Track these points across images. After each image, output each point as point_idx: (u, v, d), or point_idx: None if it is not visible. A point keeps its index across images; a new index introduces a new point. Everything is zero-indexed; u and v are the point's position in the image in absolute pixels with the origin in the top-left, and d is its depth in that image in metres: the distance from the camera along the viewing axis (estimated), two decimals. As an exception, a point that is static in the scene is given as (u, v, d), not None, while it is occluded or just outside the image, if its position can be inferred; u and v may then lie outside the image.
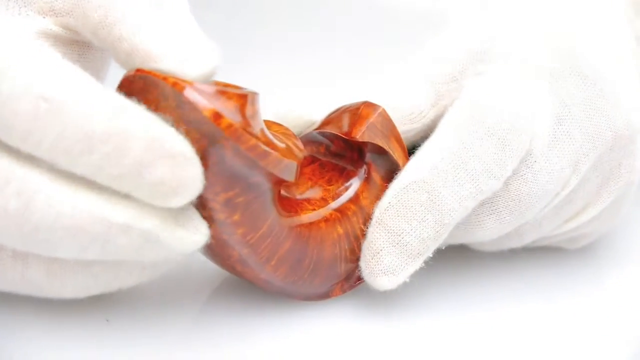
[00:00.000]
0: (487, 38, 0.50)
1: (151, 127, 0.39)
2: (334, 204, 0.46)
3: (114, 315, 0.46)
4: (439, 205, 0.44)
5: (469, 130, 0.46)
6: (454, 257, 0.52)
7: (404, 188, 0.45)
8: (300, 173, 0.45)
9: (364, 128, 0.45)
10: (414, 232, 0.44)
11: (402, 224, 0.44)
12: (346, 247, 0.46)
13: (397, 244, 0.45)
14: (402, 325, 0.47)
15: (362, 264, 0.45)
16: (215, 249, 0.43)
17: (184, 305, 0.48)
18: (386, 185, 0.46)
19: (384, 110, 0.46)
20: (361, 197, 0.46)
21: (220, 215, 0.42)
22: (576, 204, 0.49)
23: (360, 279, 0.47)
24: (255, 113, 0.41)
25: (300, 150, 0.44)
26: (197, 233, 0.41)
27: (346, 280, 0.47)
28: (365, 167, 0.46)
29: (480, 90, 0.47)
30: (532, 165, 0.47)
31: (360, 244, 0.46)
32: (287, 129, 0.45)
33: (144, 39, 0.41)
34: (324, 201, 0.46)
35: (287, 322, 0.47)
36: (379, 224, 0.45)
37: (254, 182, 0.42)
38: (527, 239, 0.50)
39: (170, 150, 0.39)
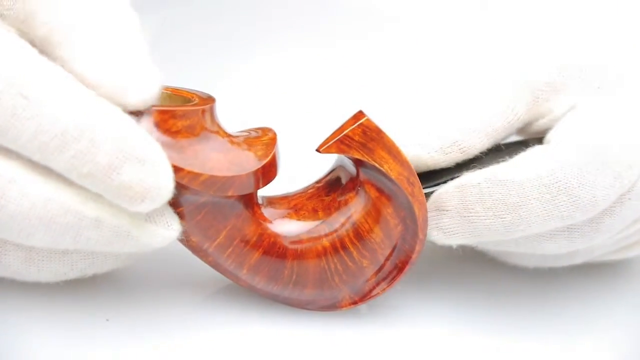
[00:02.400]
0: (599, 57, 0.48)
1: (123, 128, 0.40)
2: (323, 215, 0.46)
3: (114, 315, 0.46)
4: (524, 214, 0.44)
5: (582, 158, 0.44)
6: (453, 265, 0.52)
7: (500, 182, 0.44)
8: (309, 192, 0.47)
9: (330, 142, 0.44)
10: (485, 220, 0.44)
11: (478, 207, 0.44)
12: (335, 260, 0.45)
13: (464, 217, 0.44)
14: (401, 333, 0.47)
15: (426, 205, 0.45)
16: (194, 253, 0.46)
17: (184, 305, 0.48)
18: (383, 198, 0.45)
19: (368, 120, 0.44)
20: (353, 211, 0.45)
21: None
22: (636, 236, 0.49)
23: (372, 293, 0.46)
24: (185, 126, 0.42)
25: (260, 158, 0.44)
26: (169, 229, 0.42)
27: (355, 293, 0.46)
28: (359, 180, 0.45)
29: (599, 118, 0.46)
30: (624, 201, 0.45)
31: (352, 257, 0.45)
32: (264, 131, 0.46)
33: (82, 66, 0.41)
34: (314, 212, 0.46)
35: (288, 325, 0.47)
36: (461, 190, 0.44)
37: (188, 195, 0.43)
38: (576, 261, 0.49)
39: (140, 155, 0.40)
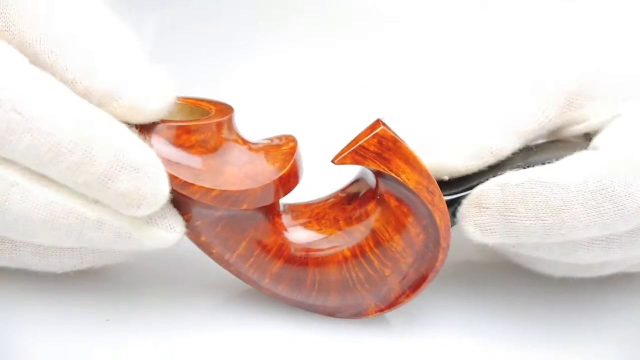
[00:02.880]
0: (635, 66, 0.47)
1: (117, 138, 0.41)
2: (344, 224, 0.45)
3: (114, 315, 0.46)
4: (566, 218, 0.43)
5: (631, 168, 0.43)
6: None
7: (545, 184, 0.43)
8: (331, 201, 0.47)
9: (345, 152, 0.44)
10: (526, 220, 0.43)
11: (520, 207, 0.43)
12: (356, 269, 0.45)
13: (504, 216, 0.43)
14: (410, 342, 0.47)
15: (466, 202, 0.44)
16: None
17: (184, 305, 0.48)
18: (403, 208, 0.45)
19: (384, 130, 0.44)
20: (372, 220, 0.45)
21: (190, 236, 0.45)
22: None
23: (398, 300, 0.46)
24: (199, 140, 0.43)
25: (278, 169, 0.44)
26: (171, 231, 0.43)
27: (381, 300, 0.46)
28: (378, 190, 0.45)
29: None
30: None
31: (373, 266, 0.45)
32: (286, 140, 0.46)
33: (101, 79, 0.42)
34: (336, 221, 0.46)
35: (291, 330, 0.47)
36: (503, 189, 0.44)
37: (204, 209, 0.44)
38: (605, 272, 0.48)
39: (134, 163, 0.41)
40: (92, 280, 0.48)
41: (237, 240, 0.45)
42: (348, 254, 0.45)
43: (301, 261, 0.45)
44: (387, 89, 0.66)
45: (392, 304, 0.46)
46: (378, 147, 0.44)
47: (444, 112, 0.47)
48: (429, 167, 0.44)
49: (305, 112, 0.64)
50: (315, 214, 0.46)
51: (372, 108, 0.62)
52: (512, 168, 0.44)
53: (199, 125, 0.43)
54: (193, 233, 0.44)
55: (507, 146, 0.45)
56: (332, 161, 0.44)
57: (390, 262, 0.45)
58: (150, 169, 0.41)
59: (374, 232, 0.45)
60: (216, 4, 0.69)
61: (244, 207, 0.43)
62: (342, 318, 0.47)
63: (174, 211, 0.43)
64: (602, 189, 0.43)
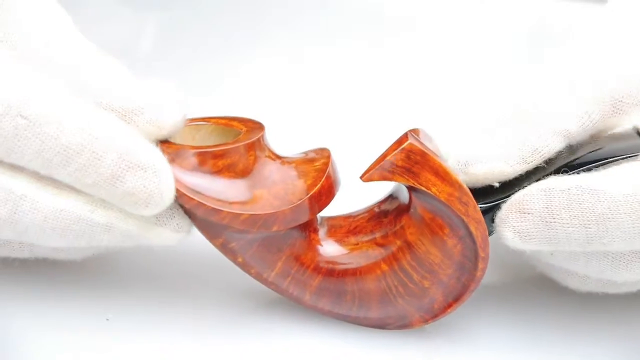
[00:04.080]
0: None
1: (124, 139, 0.41)
2: (381, 238, 0.45)
3: (114, 315, 0.46)
4: (611, 227, 0.42)
5: None
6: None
7: (591, 191, 0.42)
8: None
9: (373, 170, 0.43)
10: (568, 227, 0.42)
11: (564, 213, 0.42)
12: (395, 282, 0.45)
13: (546, 222, 0.42)
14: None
15: (505, 207, 0.43)
16: None
17: (183, 305, 0.48)
18: (437, 220, 0.44)
19: (411, 144, 0.43)
20: (407, 233, 0.44)
21: (228, 257, 0.45)
22: None
23: (444, 312, 0.45)
24: (226, 165, 0.43)
25: (309, 188, 0.44)
26: (179, 231, 0.44)
27: (425, 312, 0.45)
28: (412, 204, 0.44)
29: None
30: None
31: (412, 279, 0.45)
32: (321, 153, 0.46)
33: (120, 97, 0.43)
34: (372, 234, 0.45)
35: (294, 333, 0.46)
36: (547, 194, 0.42)
37: (235, 232, 0.44)
38: (636, 288, 0.47)
39: (141, 162, 0.41)
40: (92, 280, 0.48)
41: (274, 259, 0.45)
42: (386, 267, 0.45)
43: (339, 275, 0.45)
44: (417, 95, 0.65)
45: (436, 315, 0.45)
46: (406, 162, 0.43)
47: (481, 116, 0.45)
48: (482, 176, 0.43)
49: (307, 112, 0.64)
50: (353, 227, 0.46)
51: (401, 115, 0.62)
52: (552, 172, 0.44)
53: (225, 150, 0.43)
54: (230, 254, 0.45)
55: (554, 148, 0.44)
56: (360, 178, 0.44)
57: (429, 275, 0.44)
58: (156, 167, 0.41)
59: (409, 245, 0.44)
60: (217, 4, 0.69)
61: (275, 229, 0.44)
62: (390, 330, 0.46)
63: (181, 211, 0.43)
64: None
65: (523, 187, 0.43)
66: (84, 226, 0.42)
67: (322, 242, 0.45)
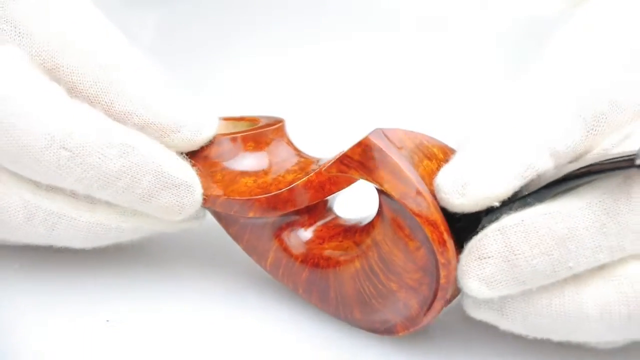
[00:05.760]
0: None
1: (159, 161, 0.44)
2: (358, 237, 0.45)
3: (114, 315, 0.46)
4: (572, 246, 0.40)
5: (631, 183, 0.41)
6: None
7: (545, 214, 0.40)
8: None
9: (331, 161, 0.44)
10: (531, 260, 0.40)
11: (524, 246, 0.40)
12: (367, 282, 0.44)
13: (509, 261, 0.41)
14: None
15: (463, 258, 0.42)
16: None
17: (183, 305, 0.48)
18: (399, 220, 0.43)
19: (368, 139, 0.42)
20: (376, 232, 0.44)
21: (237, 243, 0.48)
22: None
23: (422, 320, 0.43)
24: (219, 152, 0.47)
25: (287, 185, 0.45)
26: (199, 218, 0.47)
27: (405, 318, 0.44)
28: (380, 202, 0.44)
29: None
30: None
31: (379, 279, 0.44)
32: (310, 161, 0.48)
33: (161, 114, 0.45)
34: (353, 234, 0.46)
35: (293, 337, 0.46)
36: (502, 233, 0.41)
37: (227, 215, 0.47)
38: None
39: (175, 181, 0.45)
40: (92, 281, 0.48)
41: (266, 248, 0.46)
42: (358, 265, 0.44)
43: (323, 273, 0.45)
44: (417, 95, 0.65)
45: (415, 322, 0.44)
46: (362, 157, 0.42)
47: (471, 134, 0.43)
48: (482, 196, 0.41)
49: (306, 111, 0.64)
50: (340, 225, 0.46)
51: (401, 115, 0.62)
52: (518, 199, 0.42)
53: (221, 139, 0.47)
54: (234, 240, 0.47)
55: (546, 165, 0.42)
56: (320, 170, 0.44)
57: (394, 277, 0.43)
58: (189, 183, 0.45)
59: (377, 244, 0.44)
60: (217, 0, 0.69)
61: (251, 215, 0.45)
62: (380, 335, 0.45)
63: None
64: (605, 209, 0.40)
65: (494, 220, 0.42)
66: (115, 233, 0.46)
67: (310, 236, 0.46)
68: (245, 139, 0.47)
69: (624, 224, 0.40)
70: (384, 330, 0.45)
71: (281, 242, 0.46)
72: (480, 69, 0.66)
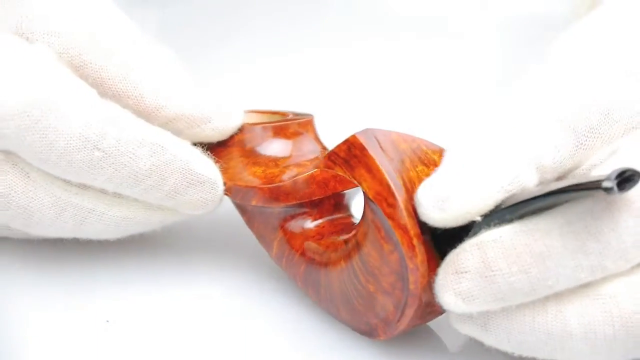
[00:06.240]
0: None
1: (186, 159, 0.45)
2: (345, 234, 0.45)
3: (114, 315, 0.46)
4: (550, 264, 0.39)
5: (613, 202, 0.40)
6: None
7: (524, 231, 0.39)
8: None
9: (320, 158, 0.44)
10: (509, 277, 0.39)
11: (502, 262, 0.39)
12: (349, 281, 0.44)
13: (486, 277, 0.40)
14: None
15: (441, 271, 0.41)
16: None
17: (183, 305, 0.48)
18: (376, 221, 0.42)
19: (355, 137, 0.42)
20: (359, 232, 0.43)
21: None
22: None
23: (398, 326, 0.43)
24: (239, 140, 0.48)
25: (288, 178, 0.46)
26: (219, 202, 0.48)
27: (384, 323, 0.43)
28: (364, 201, 0.43)
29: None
30: None
31: (359, 280, 0.44)
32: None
33: (189, 104, 0.46)
34: (343, 232, 0.46)
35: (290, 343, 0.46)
36: (479, 247, 0.40)
37: (240, 204, 0.48)
38: None
39: (201, 178, 0.46)
40: (92, 281, 0.48)
41: (271, 238, 0.47)
42: (343, 265, 0.44)
43: (316, 266, 0.45)
44: (418, 94, 0.65)
45: (393, 327, 0.43)
46: (346, 154, 0.43)
47: (455, 149, 0.42)
48: (462, 210, 0.40)
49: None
50: (342, 227, 0.47)
51: (400, 116, 0.62)
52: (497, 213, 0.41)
53: (247, 128, 0.48)
54: (248, 226, 0.48)
55: (532, 180, 0.41)
56: (319, 166, 0.44)
57: (372, 278, 0.43)
58: (212, 180, 0.46)
59: (359, 244, 0.43)
60: (218, 2, 0.68)
61: (254, 203, 0.46)
62: (366, 337, 0.45)
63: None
64: (585, 227, 0.39)
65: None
66: (141, 226, 0.47)
67: (312, 231, 0.46)
68: (274, 129, 0.49)
69: (605, 243, 0.39)
70: (368, 332, 0.45)
71: (285, 233, 0.46)
72: (480, 69, 0.66)
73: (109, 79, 0.46)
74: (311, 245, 0.46)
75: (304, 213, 0.47)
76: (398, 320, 0.43)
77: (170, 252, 0.51)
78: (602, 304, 0.40)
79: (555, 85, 0.44)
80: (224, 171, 0.47)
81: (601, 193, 0.37)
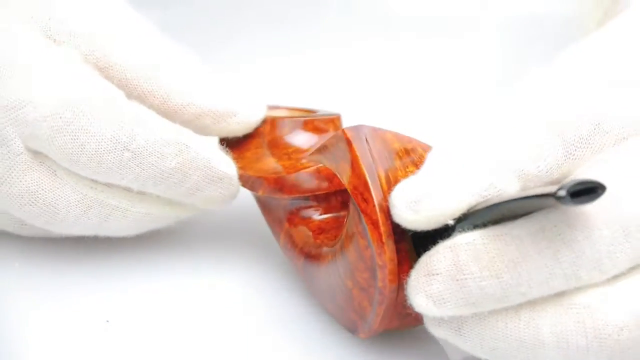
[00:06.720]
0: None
1: (207, 157, 0.46)
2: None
3: (114, 316, 0.46)
4: (523, 272, 0.38)
5: (589, 210, 0.39)
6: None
7: (497, 236, 0.39)
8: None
9: (312, 151, 0.45)
10: (480, 281, 0.39)
11: (473, 266, 0.39)
12: (333, 276, 0.44)
13: (457, 280, 0.39)
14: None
15: (413, 273, 0.40)
16: None
17: (183, 305, 0.48)
18: (355, 215, 0.42)
19: (343, 131, 0.42)
20: (345, 228, 0.43)
21: None
22: None
23: (374, 324, 0.42)
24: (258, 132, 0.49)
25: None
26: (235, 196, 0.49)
27: (363, 320, 0.43)
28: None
29: (613, 174, 0.41)
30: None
31: (340, 274, 0.43)
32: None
33: (214, 100, 0.48)
34: (338, 228, 0.46)
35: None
36: (452, 250, 0.39)
37: (254, 194, 0.49)
38: None
39: (220, 174, 0.47)
40: (92, 282, 0.48)
41: (277, 230, 0.48)
42: (331, 259, 0.44)
43: (311, 261, 0.45)
44: (418, 95, 0.65)
45: (370, 327, 0.43)
46: (334, 146, 0.43)
47: (437, 153, 0.42)
48: (434, 212, 0.39)
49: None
50: (340, 223, 0.46)
51: (400, 116, 0.62)
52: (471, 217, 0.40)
53: (267, 119, 0.49)
54: (263, 214, 0.49)
55: (510, 187, 0.40)
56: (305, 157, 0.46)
57: (349, 273, 0.43)
58: (230, 175, 0.47)
59: (342, 241, 0.43)
60: (218, 2, 0.69)
61: (260, 192, 0.47)
62: (351, 334, 0.45)
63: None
64: (559, 235, 0.39)
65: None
66: (160, 221, 0.48)
67: (314, 226, 0.46)
68: (304, 123, 0.49)
69: (579, 252, 0.39)
70: (351, 329, 0.44)
71: (290, 225, 0.47)
72: (480, 69, 0.66)
73: (135, 79, 0.47)
74: (309, 239, 0.46)
75: (310, 207, 0.47)
76: (372, 318, 0.42)
77: (170, 252, 0.51)
78: (575, 314, 0.39)
79: (549, 93, 0.43)
80: (239, 160, 0.48)
81: (552, 201, 0.36)
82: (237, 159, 0.48)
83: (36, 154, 0.45)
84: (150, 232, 0.49)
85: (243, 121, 0.49)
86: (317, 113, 0.51)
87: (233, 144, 0.49)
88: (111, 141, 0.44)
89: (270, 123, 0.49)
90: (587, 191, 0.36)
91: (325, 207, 0.47)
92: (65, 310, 0.47)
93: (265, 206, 0.48)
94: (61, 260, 0.49)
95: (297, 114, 0.51)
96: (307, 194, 0.46)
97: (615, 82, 0.43)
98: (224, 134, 0.49)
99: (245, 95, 0.49)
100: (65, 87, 0.44)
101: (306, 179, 0.46)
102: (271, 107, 0.51)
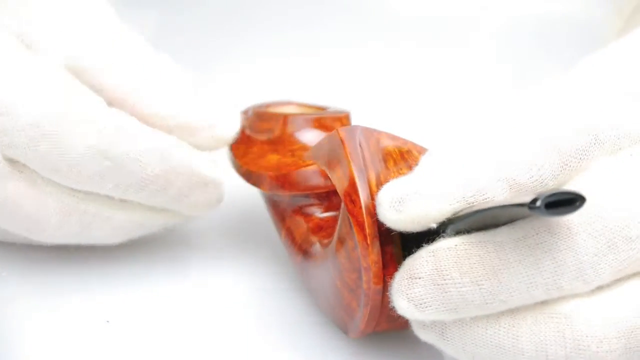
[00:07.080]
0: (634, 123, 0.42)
1: (191, 162, 0.46)
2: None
3: (114, 316, 0.46)
4: (503, 278, 0.38)
5: (572, 219, 0.39)
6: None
7: (479, 243, 0.39)
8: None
9: (309, 151, 0.45)
10: (461, 287, 0.38)
11: (454, 272, 0.38)
12: (324, 276, 0.44)
13: (438, 285, 0.39)
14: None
15: (397, 276, 0.40)
16: None
17: (183, 305, 0.48)
18: (346, 217, 0.42)
19: (337, 132, 0.42)
20: (337, 227, 0.43)
21: None
22: None
23: (361, 325, 0.42)
24: (266, 129, 0.49)
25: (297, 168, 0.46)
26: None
27: (353, 321, 0.43)
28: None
29: (600, 183, 0.40)
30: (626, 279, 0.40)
31: (330, 274, 0.43)
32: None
33: (194, 113, 0.47)
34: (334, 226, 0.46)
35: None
36: (434, 255, 0.39)
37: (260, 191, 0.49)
38: None
39: (205, 179, 0.47)
40: (92, 282, 0.48)
41: (280, 227, 0.48)
42: (324, 258, 0.44)
43: (306, 260, 0.45)
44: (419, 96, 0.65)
45: (357, 328, 0.43)
46: (327, 147, 0.43)
47: (432, 148, 0.42)
48: (417, 214, 0.39)
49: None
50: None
51: (402, 117, 0.62)
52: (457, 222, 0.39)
53: (269, 114, 0.50)
54: (268, 210, 0.49)
55: (498, 195, 0.39)
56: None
57: (339, 274, 0.43)
58: (216, 182, 0.47)
59: (335, 241, 0.43)
60: (218, 3, 0.69)
61: (263, 188, 0.47)
62: (344, 334, 0.45)
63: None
64: (541, 243, 0.38)
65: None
66: (145, 229, 0.48)
67: (314, 224, 0.46)
68: (315, 120, 0.49)
69: (560, 261, 0.38)
70: (343, 329, 0.44)
71: (292, 222, 0.47)
72: (481, 70, 0.66)
73: (113, 89, 0.46)
74: (307, 236, 0.46)
75: (311, 205, 0.47)
76: (359, 319, 0.42)
77: (170, 252, 0.51)
78: (555, 324, 0.39)
79: (549, 103, 0.43)
80: (243, 155, 0.48)
81: (525, 210, 0.35)
82: (243, 155, 0.48)
83: (15, 163, 0.45)
84: (150, 233, 0.49)
85: (218, 137, 0.48)
86: (328, 110, 0.51)
87: (241, 139, 0.49)
88: (90, 150, 0.44)
89: (282, 119, 0.49)
90: (567, 202, 0.35)
91: (326, 205, 0.47)
92: (65, 310, 0.47)
93: (270, 202, 0.49)
94: (61, 260, 0.49)
95: (307, 110, 0.52)
96: (308, 192, 0.46)
97: (633, 93, 0.43)
98: (197, 148, 0.47)
99: (224, 109, 0.48)
100: (44, 95, 0.43)
101: (308, 176, 0.46)
102: (282, 103, 0.51)
